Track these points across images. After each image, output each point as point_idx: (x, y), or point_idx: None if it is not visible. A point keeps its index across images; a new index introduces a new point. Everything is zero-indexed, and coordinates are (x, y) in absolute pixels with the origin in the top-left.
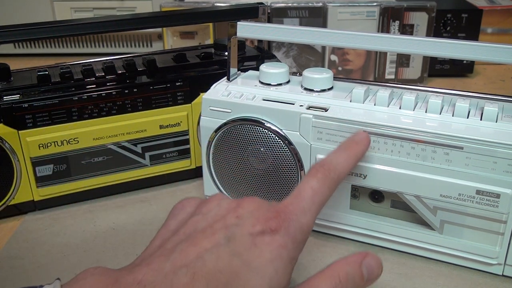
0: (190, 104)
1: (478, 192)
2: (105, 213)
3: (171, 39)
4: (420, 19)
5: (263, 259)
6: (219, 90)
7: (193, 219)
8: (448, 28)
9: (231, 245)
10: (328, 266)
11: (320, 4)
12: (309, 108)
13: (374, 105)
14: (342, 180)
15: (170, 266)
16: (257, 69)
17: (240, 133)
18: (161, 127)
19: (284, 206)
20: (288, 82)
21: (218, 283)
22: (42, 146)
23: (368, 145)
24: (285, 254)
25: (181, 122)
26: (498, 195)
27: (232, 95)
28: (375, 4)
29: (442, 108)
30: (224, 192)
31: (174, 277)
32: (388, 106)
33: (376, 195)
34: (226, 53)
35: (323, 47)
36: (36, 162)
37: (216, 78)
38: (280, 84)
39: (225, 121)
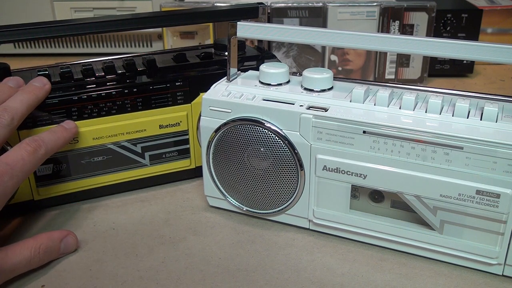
0: (190, 104)
1: (478, 192)
2: (105, 213)
3: (171, 39)
4: (420, 19)
5: None
6: (219, 90)
7: None
8: (448, 28)
9: None
10: (33, 236)
11: (320, 4)
12: (309, 108)
13: (374, 105)
14: (50, 154)
15: None
16: (257, 69)
17: (240, 133)
18: (160, 127)
19: None
20: (288, 82)
21: None
22: None
23: (74, 135)
24: None
25: (180, 122)
26: (498, 195)
27: (232, 95)
28: (375, 4)
29: (442, 108)
30: (225, 193)
31: None
32: (388, 106)
33: (376, 195)
34: (226, 53)
35: (323, 47)
36: None
37: (216, 78)
38: (280, 84)
39: (225, 121)
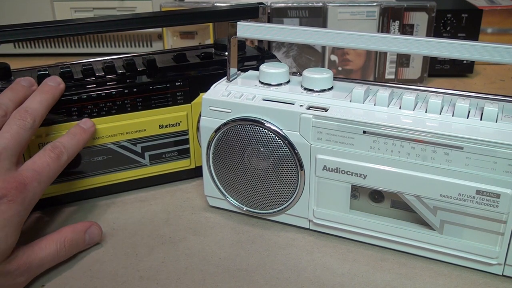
0: (189, 104)
1: (478, 192)
2: (105, 213)
3: (171, 39)
4: (420, 19)
5: None
6: (219, 90)
7: None
8: (448, 28)
9: None
10: (57, 230)
11: (320, 4)
12: (309, 108)
13: (374, 105)
14: (72, 159)
15: None
16: (257, 69)
17: (240, 133)
18: (160, 126)
19: (24, 177)
20: (288, 82)
21: None
22: (42, 146)
23: (92, 134)
24: (17, 220)
25: (180, 122)
26: (498, 195)
27: (232, 95)
28: (375, 4)
29: (442, 108)
30: (225, 193)
31: None
32: (388, 106)
33: (376, 195)
34: (226, 53)
35: (323, 47)
36: None
37: (216, 78)
38: (280, 84)
39: (225, 121)
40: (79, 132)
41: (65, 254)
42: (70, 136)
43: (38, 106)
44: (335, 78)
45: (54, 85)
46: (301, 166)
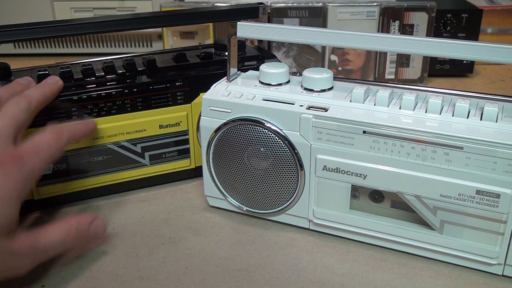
0: (189, 104)
1: (478, 192)
2: (105, 213)
3: (171, 39)
4: (420, 19)
5: None
6: (219, 90)
7: None
8: (448, 28)
9: None
10: (64, 218)
11: (320, 4)
12: (309, 108)
13: (374, 105)
14: (74, 141)
15: None
16: (257, 69)
17: (240, 133)
18: (160, 127)
19: (24, 152)
20: (288, 82)
21: None
22: None
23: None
24: (14, 193)
25: (180, 122)
26: (498, 195)
27: (232, 95)
28: (375, 4)
29: (442, 108)
30: (225, 193)
31: None
32: (388, 106)
33: (376, 195)
34: (226, 53)
35: (323, 47)
36: None
37: (216, 78)
38: (280, 84)
39: (225, 121)
40: (82, 123)
41: (71, 242)
42: (72, 124)
43: (34, 92)
44: (335, 78)
45: (52, 82)
46: (301, 166)
